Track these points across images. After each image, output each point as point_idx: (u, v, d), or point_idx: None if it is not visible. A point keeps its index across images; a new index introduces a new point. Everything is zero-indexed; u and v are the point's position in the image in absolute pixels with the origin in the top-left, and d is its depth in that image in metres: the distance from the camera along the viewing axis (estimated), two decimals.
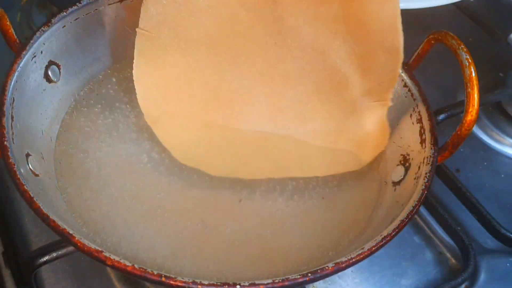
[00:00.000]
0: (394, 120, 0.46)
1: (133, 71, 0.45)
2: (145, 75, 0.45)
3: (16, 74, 0.40)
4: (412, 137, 0.43)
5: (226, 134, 0.45)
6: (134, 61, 0.44)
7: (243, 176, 0.42)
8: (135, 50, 0.44)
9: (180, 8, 0.42)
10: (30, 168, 0.37)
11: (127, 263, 0.31)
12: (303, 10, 0.42)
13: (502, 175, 0.56)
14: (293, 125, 0.46)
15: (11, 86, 0.39)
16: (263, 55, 0.44)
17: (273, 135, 0.45)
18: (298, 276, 0.32)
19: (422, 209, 0.50)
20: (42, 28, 0.43)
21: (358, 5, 0.40)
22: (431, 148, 0.40)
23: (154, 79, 0.45)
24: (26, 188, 0.34)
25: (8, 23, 0.41)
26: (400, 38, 0.41)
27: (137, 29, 0.43)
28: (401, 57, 0.41)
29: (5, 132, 0.36)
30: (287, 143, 0.45)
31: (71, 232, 0.32)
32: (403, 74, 0.45)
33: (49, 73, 0.44)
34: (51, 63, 0.44)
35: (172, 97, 0.46)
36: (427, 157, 0.40)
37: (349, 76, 0.44)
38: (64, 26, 0.44)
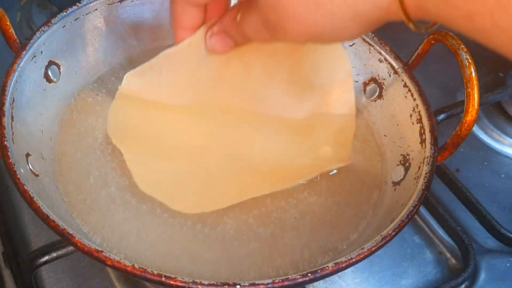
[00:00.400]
0: (394, 120, 0.46)
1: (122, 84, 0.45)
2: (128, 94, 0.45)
3: (16, 74, 0.40)
4: (412, 137, 0.43)
5: (192, 169, 0.43)
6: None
7: (211, 209, 0.41)
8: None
9: (161, 79, 0.43)
10: (30, 168, 0.37)
11: (127, 263, 0.31)
12: (274, 84, 0.46)
13: (502, 175, 0.56)
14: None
15: (11, 86, 0.39)
16: (234, 118, 0.46)
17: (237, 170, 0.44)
18: (298, 276, 0.32)
19: (422, 209, 0.50)
20: (42, 28, 0.43)
21: (323, 88, 0.46)
22: (431, 148, 0.40)
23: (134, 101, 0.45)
24: (26, 188, 0.34)
25: (8, 23, 0.41)
26: (353, 108, 0.47)
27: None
28: (353, 125, 0.47)
29: (5, 132, 0.36)
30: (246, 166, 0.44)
31: (71, 232, 0.32)
32: (403, 74, 0.45)
33: (49, 73, 0.44)
34: (51, 63, 0.44)
35: (142, 134, 0.44)
36: (427, 157, 0.40)
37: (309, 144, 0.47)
38: (64, 26, 0.44)
